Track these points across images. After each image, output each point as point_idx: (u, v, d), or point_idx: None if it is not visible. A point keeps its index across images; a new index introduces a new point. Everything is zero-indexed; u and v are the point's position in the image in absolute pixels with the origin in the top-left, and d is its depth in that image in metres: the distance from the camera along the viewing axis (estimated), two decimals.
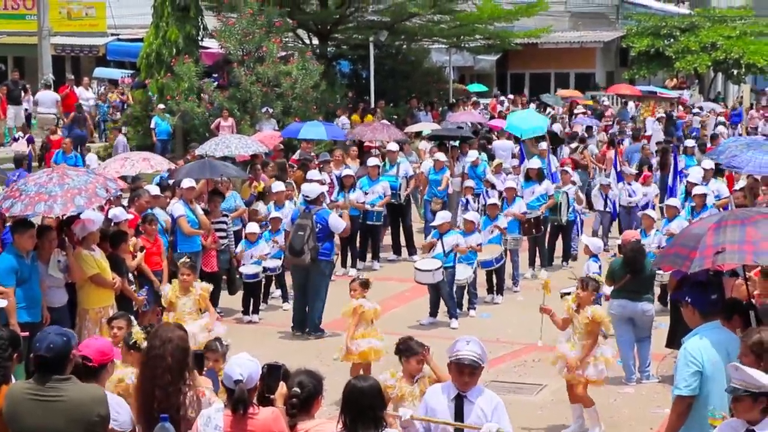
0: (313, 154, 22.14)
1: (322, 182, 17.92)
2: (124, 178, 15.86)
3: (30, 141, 26.23)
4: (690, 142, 24.79)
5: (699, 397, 6.96)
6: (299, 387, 6.31)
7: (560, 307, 11.01)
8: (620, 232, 20.64)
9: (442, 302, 15.20)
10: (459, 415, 6.93)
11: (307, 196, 14.95)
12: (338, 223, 14.86)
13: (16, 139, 26.83)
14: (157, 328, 7.23)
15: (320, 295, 14.67)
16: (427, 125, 28.61)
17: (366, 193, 18.75)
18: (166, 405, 6.46)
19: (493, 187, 19.83)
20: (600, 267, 14.38)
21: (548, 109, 37.92)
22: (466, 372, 6.90)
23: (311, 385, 6.35)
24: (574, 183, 19.79)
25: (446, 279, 14.86)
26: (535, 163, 19.06)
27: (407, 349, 8.52)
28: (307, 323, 14.66)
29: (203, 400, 6.64)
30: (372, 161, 19.47)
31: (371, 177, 19.04)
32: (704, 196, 16.05)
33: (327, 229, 14.66)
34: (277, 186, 17.16)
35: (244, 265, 15.67)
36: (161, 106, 27.33)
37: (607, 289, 13.30)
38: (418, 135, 26.78)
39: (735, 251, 7.32)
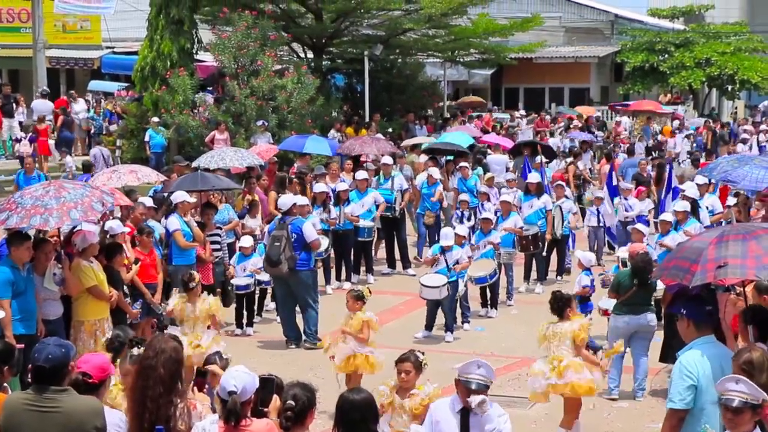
0: (308, 166, 22.14)
1: (328, 194, 18.04)
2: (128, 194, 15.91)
3: (32, 141, 26.56)
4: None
5: (692, 411, 6.97)
6: (293, 400, 6.31)
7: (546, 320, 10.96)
8: (610, 248, 20.78)
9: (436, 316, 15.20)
10: (465, 427, 7.02)
11: (280, 208, 14.98)
12: (312, 232, 14.86)
13: (18, 140, 27.13)
14: (152, 338, 7.22)
15: (310, 304, 14.66)
16: (424, 139, 28.65)
17: (361, 206, 18.78)
18: (157, 416, 6.46)
19: (488, 199, 19.84)
20: (592, 280, 14.40)
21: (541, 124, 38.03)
22: (472, 393, 7.07)
23: (305, 397, 6.35)
24: (567, 197, 19.81)
25: (449, 293, 14.90)
26: (534, 177, 19.06)
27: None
28: (302, 333, 14.67)
29: (194, 413, 6.63)
30: (360, 174, 19.47)
31: (360, 190, 19.06)
32: (686, 212, 16.08)
33: (303, 239, 14.67)
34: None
35: (236, 277, 15.67)
36: (155, 119, 27.36)
37: (603, 303, 13.28)
38: (414, 148, 26.79)
39: (737, 266, 7.31)
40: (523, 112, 40.38)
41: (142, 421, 6.49)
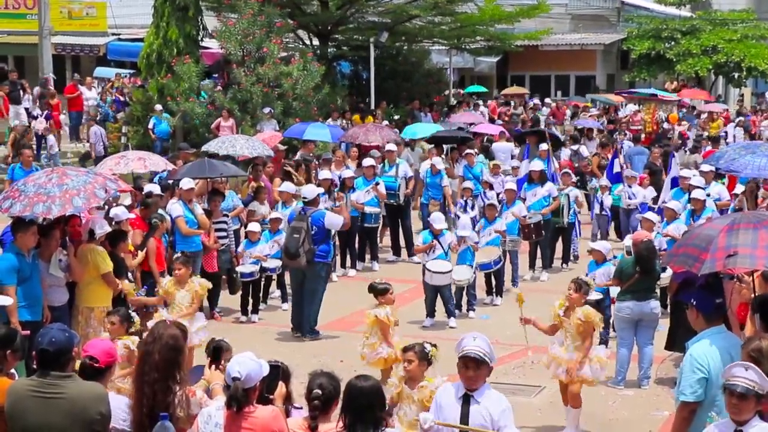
0: (312, 155, 22.14)
1: (333, 181, 18.01)
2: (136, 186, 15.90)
3: (48, 118, 26.71)
4: None
5: (703, 403, 6.97)
6: (320, 389, 6.37)
7: (547, 313, 11.00)
8: (618, 235, 20.75)
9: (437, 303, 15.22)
10: (464, 414, 6.94)
11: (305, 197, 14.92)
12: (335, 219, 14.77)
13: (35, 117, 27.33)
14: (154, 324, 7.24)
15: (315, 297, 14.58)
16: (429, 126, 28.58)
17: (367, 191, 18.74)
18: (154, 401, 6.48)
19: (491, 188, 19.80)
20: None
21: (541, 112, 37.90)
22: (471, 366, 6.92)
23: (331, 386, 6.44)
24: (575, 185, 19.77)
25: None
26: (537, 165, 19.01)
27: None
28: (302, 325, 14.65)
29: (193, 400, 6.63)
30: (367, 161, 19.45)
31: (366, 177, 19.02)
32: (704, 201, 16.03)
33: (323, 231, 14.56)
34: (286, 186, 17.16)
35: (242, 264, 15.66)
36: (158, 107, 27.36)
37: (612, 291, 13.25)
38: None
39: (747, 255, 7.26)
40: (548, 100, 40.24)
41: (141, 406, 6.51)
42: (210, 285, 12.55)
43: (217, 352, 7.46)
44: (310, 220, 14.47)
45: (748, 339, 6.88)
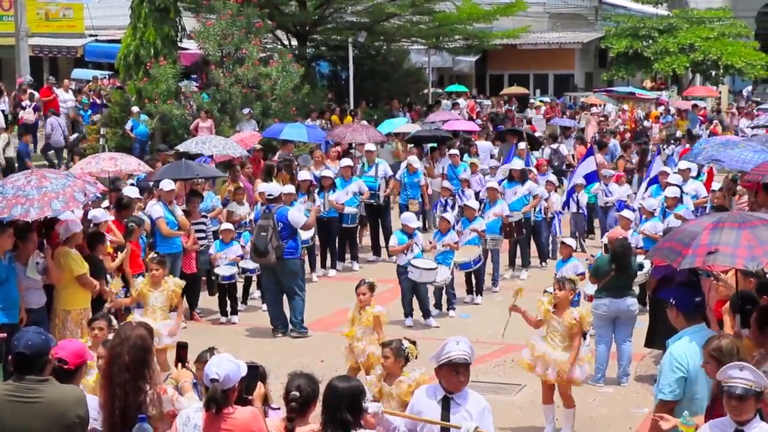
0: (291, 154, 22.12)
1: (312, 182, 17.96)
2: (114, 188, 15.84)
3: (36, 109, 26.57)
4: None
5: (682, 401, 6.99)
6: (297, 390, 6.33)
7: (533, 307, 10.98)
8: (598, 233, 20.82)
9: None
10: (444, 417, 6.90)
11: (269, 195, 14.93)
12: (298, 218, 14.80)
13: (23, 108, 27.24)
14: (120, 326, 7.21)
15: (297, 293, 14.62)
16: (408, 126, 28.62)
17: (346, 193, 18.73)
18: (126, 402, 6.45)
19: (469, 185, 19.80)
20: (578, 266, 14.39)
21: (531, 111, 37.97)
22: (461, 371, 6.87)
23: (309, 388, 6.39)
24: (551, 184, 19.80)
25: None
26: (517, 163, 19.05)
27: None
28: (288, 322, 14.63)
29: (164, 397, 6.61)
30: (345, 161, 19.45)
31: (344, 177, 19.02)
32: (676, 198, 16.12)
33: (289, 227, 14.60)
34: (264, 187, 17.13)
35: (218, 266, 15.58)
36: (135, 109, 27.25)
37: (588, 289, 13.30)
38: (397, 136, 26.78)
39: (727, 254, 7.27)
40: (546, 99, 40.31)
41: (113, 408, 6.48)
42: (183, 284, 12.48)
43: (182, 351, 7.45)
44: (276, 217, 14.53)
45: (709, 339, 6.89)
